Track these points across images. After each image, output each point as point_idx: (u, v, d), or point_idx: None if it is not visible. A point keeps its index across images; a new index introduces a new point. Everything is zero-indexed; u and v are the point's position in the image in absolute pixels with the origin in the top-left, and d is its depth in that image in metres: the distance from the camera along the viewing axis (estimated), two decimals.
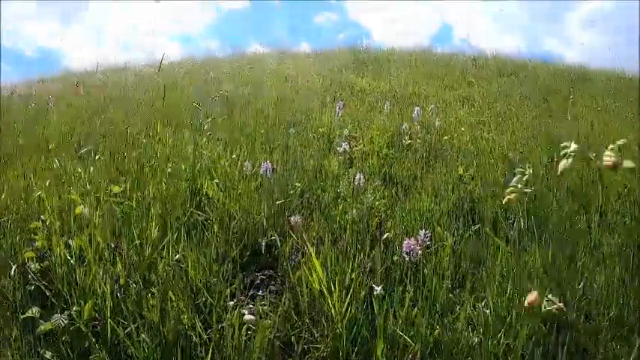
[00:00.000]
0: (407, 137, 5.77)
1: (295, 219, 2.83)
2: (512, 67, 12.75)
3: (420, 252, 2.27)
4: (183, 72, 11.02)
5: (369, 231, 2.87)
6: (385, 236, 2.77)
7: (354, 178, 3.40)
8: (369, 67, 12.69)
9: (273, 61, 12.92)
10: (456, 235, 2.95)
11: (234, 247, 2.74)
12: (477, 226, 3.05)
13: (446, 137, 6.07)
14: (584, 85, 10.49)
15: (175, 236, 2.58)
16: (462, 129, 6.62)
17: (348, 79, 11.13)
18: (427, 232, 2.46)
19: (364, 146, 5.17)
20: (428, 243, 2.44)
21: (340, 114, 5.88)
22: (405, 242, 2.29)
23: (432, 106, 7.31)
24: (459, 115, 7.65)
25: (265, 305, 2.30)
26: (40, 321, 2.12)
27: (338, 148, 3.95)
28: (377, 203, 3.34)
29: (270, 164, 3.44)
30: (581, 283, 2.17)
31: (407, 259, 2.29)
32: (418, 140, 5.64)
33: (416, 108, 6.71)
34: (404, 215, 3.22)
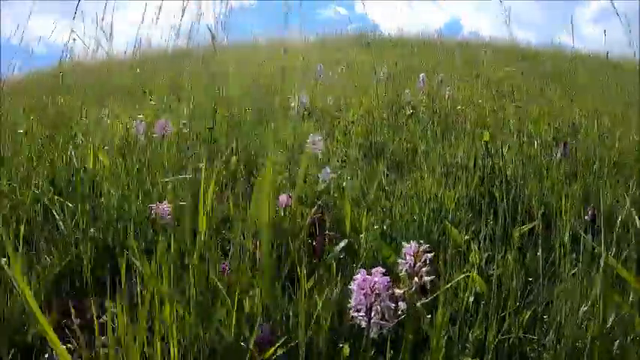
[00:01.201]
0: (409, 107, 4.37)
1: None
2: (524, 55, 11.30)
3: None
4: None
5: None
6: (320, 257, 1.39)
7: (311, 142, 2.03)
8: (373, 47, 11.39)
9: (272, 47, 11.63)
10: (488, 245, 1.57)
11: None
12: (529, 226, 1.65)
13: (459, 107, 4.67)
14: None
15: None
16: (480, 100, 5.22)
17: (347, 56, 9.77)
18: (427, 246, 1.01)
19: (352, 114, 3.77)
20: (427, 278, 0.98)
21: (321, 78, 4.48)
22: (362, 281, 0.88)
23: (441, 75, 5.89)
24: (472, 89, 6.21)
25: None
26: None
27: (291, 104, 2.56)
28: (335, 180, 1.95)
29: None
30: None
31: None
32: (423, 109, 4.24)
33: (421, 75, 5.31)
34: (383, 206, 1.84)
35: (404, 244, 0.96)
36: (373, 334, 0.88)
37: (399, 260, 0.96)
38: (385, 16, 34.74)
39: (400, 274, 0.94)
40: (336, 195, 1.86)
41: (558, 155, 2.55)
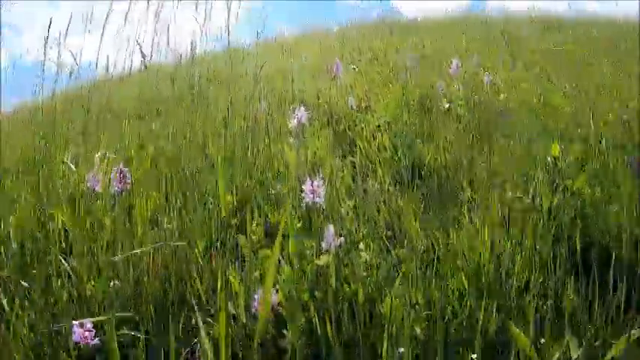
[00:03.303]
0: (444, 100, 3.66)
1: None
2: (559, 23, 10.19)
3: None
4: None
5: None
6: None
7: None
8: (397, 32, 10.61)
9: (292, 41, 10.95)
10: None
11: None
12: None
13: (502, 95, 3.94)
14: None
15: None
16: (523, 85, 4.46)
17: (370, 44, 9.02)
18: None
19: (373, 118, 3.11)
20: None
21: (340, 75, 3.83)
22: None
23: (475, 56, 5.13)
24: (511, 71, 5.41)
25: None
26: None
27: (289, 122, 1.89)
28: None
29: None
30: None
31: None
32: (460, 102, 3.53)
33: (454, 60, 4.58)
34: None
35: None
36: None
37: None
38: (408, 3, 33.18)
39: None
40: (347, 288, 1.23)
41: None
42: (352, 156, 2.61)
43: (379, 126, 2.81)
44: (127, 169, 1.59)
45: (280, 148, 2.25)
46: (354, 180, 2.06)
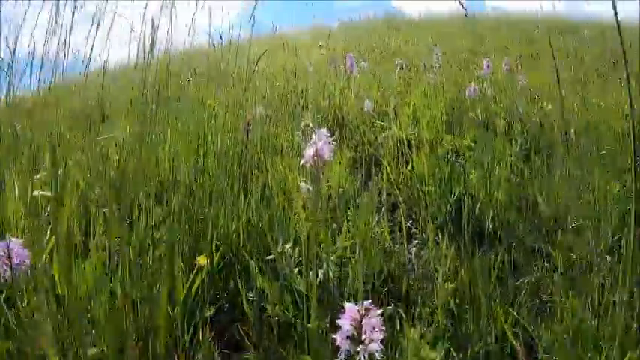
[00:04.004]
0: (479, 106, 2.97)
1: None
2: (565, 27, 9.51)
3: None
4: None
5: None
6: None
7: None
8: (403, 30, 9.98)
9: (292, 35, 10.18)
10: None
11: None
12: None
13: (546, 106, 3.27)
14: None
15: None
16: (562, 90, 3.79)
17: (378, 41, 8.33)
18: None
19: (400, 129, 2.42)
20: None
21: (355, 73, 3.15)
22: None
23: (506, 59, 4.45)
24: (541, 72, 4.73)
25: None
26: None
27: (303, 151, 1.19)
28: None
29: None
30: None
31: None
32: (498, 110, 2.84)
33: (485, 60, 3.91)
34: None
35: None
36: None
37: None
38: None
39: None
40: None
41: None
42: (374, 178, 1.94)
43: (409, 142, 2.13)
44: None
45: (282, 174, 1.57)
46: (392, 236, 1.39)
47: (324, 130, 1.15)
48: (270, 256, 1.26)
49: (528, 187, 1.84)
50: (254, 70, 2.25)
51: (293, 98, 2.98)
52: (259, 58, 2.10)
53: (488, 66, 3.83)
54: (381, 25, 11.36)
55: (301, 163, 1.12)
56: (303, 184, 1.19)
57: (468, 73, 3.98)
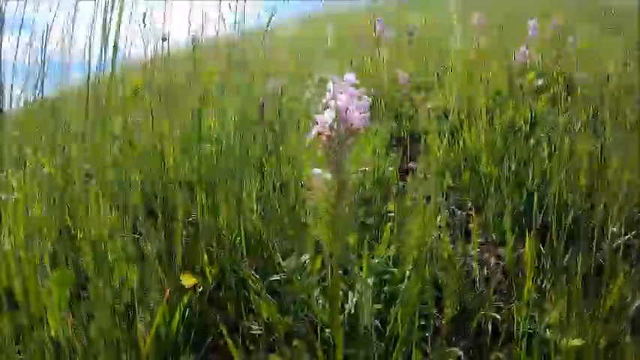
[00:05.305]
0: (529, 78, 2.50)
1: None
2: None
3: None
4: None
5: None
6: None
7: None
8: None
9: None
10: None
11: None
12: None
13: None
14: None
15: None
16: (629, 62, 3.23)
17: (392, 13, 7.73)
18: None
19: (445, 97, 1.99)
20: None
21: (386, 40, 2.71)
22: None
23: (553, 20, 3.90)
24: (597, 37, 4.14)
25: None
26: None
27: (321, 105, 0.80)
28: None
29: None
30: None
31: None
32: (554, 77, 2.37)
33: (530, 21, 3.40)
34: None
35: None
36: None
37: None
38: None
39: None
40: None
41: None
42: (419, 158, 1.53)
43: (459, 114, 1.70)
44: None
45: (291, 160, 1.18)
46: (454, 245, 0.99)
47: (350, 76, 0.74)
48: (276, 277, 0.89)
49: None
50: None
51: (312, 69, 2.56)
52: (270, 18, 1.69)
53: (534, 29, 3.33)
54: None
55: (311, 134, 0.73)
56: (316, 170, 0.78)
57: (506, 35, 3.46)
